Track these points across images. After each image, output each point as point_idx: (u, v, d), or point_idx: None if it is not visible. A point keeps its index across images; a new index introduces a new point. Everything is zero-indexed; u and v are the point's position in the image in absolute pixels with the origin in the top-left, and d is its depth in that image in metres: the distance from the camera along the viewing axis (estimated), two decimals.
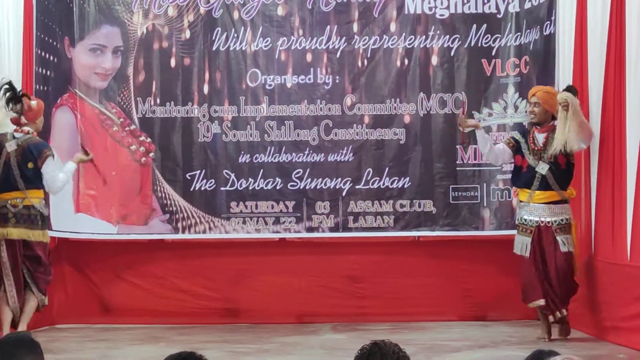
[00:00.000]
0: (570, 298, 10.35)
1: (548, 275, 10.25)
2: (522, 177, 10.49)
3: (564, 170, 10.34)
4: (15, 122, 10.58)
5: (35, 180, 10.49)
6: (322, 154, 12.44)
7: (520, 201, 10.51)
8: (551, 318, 10.31)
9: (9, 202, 10.47)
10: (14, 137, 10.55)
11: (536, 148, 10.30)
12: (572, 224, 10.32)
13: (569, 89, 10.39)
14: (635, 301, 9.36)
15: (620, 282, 9.75)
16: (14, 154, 10.48)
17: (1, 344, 4.49)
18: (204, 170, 12.44)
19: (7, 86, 10.54)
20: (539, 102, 10.40)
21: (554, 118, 10.32)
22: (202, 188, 12.49)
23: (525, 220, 10.37)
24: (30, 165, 10.47)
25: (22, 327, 10.37)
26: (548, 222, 10.23)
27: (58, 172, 10.60)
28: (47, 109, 11.98)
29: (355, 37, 12.52)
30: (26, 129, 10.56)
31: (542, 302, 10.30)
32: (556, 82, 11.58)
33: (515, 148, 10.56)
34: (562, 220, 10.27)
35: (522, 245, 10.37)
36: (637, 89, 9.44)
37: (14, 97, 10.50)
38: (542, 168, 10.20)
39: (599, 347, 9.76)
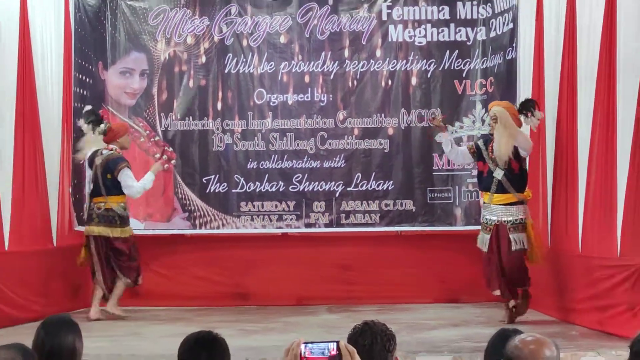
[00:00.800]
0: (520, 290, 10.15)
1: (503, 268, 10.08)
2: (483, 182, 10.35)
3: (518, 175, 10.12)
4: (105, 141, 11.15)
5: (113, 188, 11.09)
6: (318, 161, 12.43)
7: (484, 202, 10.38)
8: (511, 303, 10.16)
9: (95, 205, 11.15)
10: (101, 154, 11.10)
11: (494, 156, 10.13)
12: (527, 223, 10.11)
13: (526, 102, 10.30)
14: (586, 287, 9.33)
15: (573, 270, 9.73)
16: (100, 167, 11.08)
17: (46, 324, 4.47)
18: (217, 175, 12.41)
19: (90, 112, 11.40)
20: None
21: None
22: (216, 190, 12.46)
23: (487, 219, 10.19)
24: (109, 176, 11.07)
25: (111, 303, 11.11)
26: (504, 221, 10.02)
27: (133, 181, 11.17)
28: None
29: (347, 61, 12.51)
30: (111, 146, 11.19)
31: (497, 292, 10.21)
32: (517, 99, 11.53)
33: (476, 154, 10.43)
34: (516, 220, 10.03)
35: (483, 241, 10.23)
36: (586, 105, 9.42)
37: (95, 121, 11.22)
38: (498, 173, 10.04)
39: (556, 325, 9.72)
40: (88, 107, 11.70)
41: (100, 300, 11.18)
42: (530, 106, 10.15)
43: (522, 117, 10.13)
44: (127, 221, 11.33)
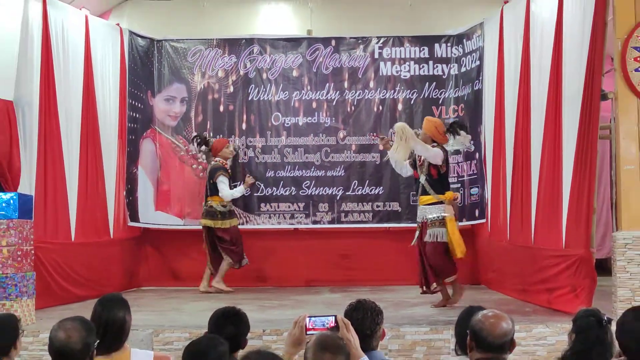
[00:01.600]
0: (441, 276, 9.57)
1: (423, 259, 9.64)
2: (415, 186, 9.93)
3: (436, 179, 9.51)
4: (212, 155, 11.71)
5: (214, 190, 11.45)
6: (323, 171, 12.42)
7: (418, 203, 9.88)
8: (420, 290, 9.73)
9: (205, 203, 11.61)
10: (211, 164, 11.68)
11: (419, 163, 9.68)
12: (447, 220, 9.42)
13: (452, 124, 9.87)
14: (537, 272, 9.28)
15: (527, 259, 9.69)
16: (208, 174, 11.63)
17: (102, 301, 4.47)
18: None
19: (196, 137, 12.01)
20: (422, 128, 9.92)
21: (433, 141, 9.53)
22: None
23: (418, 217, 9.74)
24: (211, 181, 11.46)
25: (216, 279, 11.54)
26: (425, 219, 9.55)
27: (225, 187, 11.44)
28: (135, 140, 12.08)
29: (346, 91, 12.52)
30: (217, 159, 11.60)
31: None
32: (482, 122, 11.58)
33: (412, 164, 9.84)
34: (434, 217, 9.43)
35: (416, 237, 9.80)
36: (537, 126, 9.42)
37: (200, 143, 11.86)
38: (422, 178, 9.62)
39: (513, 304, 9.65)
40: (195, 133, 12.25)
41: (209, 277, 11.65)
42: (455, 127, 9.69)
43: (449, 135, 9.67)
44: (228, 215, 11.56)
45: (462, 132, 9.68)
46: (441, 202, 9.46)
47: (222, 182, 11.41)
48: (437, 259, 9.50)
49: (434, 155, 9.50)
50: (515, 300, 9.98)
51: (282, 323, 8.03)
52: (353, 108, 12.50)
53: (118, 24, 12.15)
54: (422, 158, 9.55)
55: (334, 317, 3.80)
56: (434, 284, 9.64)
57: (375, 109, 12.49)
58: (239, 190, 11.68)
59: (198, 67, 12.57)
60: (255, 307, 9.50)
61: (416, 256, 9.78)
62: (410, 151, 9.58)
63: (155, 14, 13.16)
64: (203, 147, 11.85)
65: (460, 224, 12.07)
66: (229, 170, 11.63)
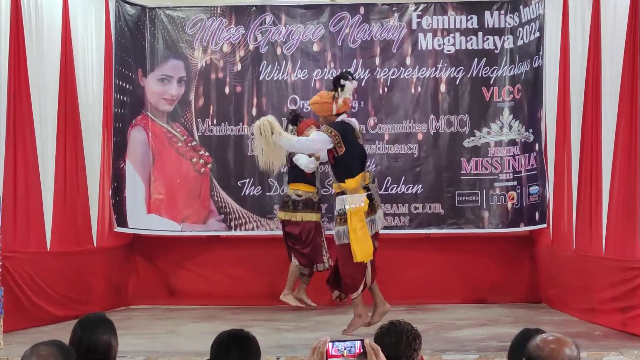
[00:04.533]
0: (345, 290, 9.53)
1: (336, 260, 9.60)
2: None
3: (333, 164, 9.39)
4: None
5: (291, 175, 11.67)
6: None
7: None
8: (335, 294, 9.61)
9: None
10: None
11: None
12: (349, 213, 9.08)
13: (334, 80, 9.53)
14: (610, 287, 9.27)
15: (596, 271, 9.67)
16: (287, 158, 11.23)
17: (82, 322, 4.50)
18: (252, 179, 12.42)
19: (292, 113, 11.89)
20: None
21: (328, 122, 9.35)
22: (251, 193, 12.48)
23: None
24: (289, 165, 11.52)
25: (285, 290, 11.36)
26: (335, 213, 9.44)
27: (304, 157, 11.31)
28: (123, 128, 12.14)
29: (377, 69, 12.51)
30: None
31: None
32: (543, 106, 11.55)
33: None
34: (339, 211, 9.24)
35: None
36: (610, 111, 9.37)
37: (292, 120, 11.70)
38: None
39: (579, 325, 9.64)
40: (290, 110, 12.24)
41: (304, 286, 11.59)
42: (337, 82, 9.36)
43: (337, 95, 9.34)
44: (302, 207, 11.49)
45: (346, 82, 9.34)
46: (343, 192, 9.24)
47: (300, 156, 11.32)
48: (344, 266, 9.30)
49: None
50: (582, 321, 9.95)
51: (299, 349, 8.06)
52: (386, 90, 12.49)
53: None
54: None
55: (360, 342, 3.80)
56: (336, 291, 9.53)
57: (412, 91, 12.47)
58: (313, 161, 11.46)
59: (199, 41, 12.59)
60: (268, 330, 9.55)
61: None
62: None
63: None
64: (291, 127, 11.65)
65: (518, 229, 12.17)
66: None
